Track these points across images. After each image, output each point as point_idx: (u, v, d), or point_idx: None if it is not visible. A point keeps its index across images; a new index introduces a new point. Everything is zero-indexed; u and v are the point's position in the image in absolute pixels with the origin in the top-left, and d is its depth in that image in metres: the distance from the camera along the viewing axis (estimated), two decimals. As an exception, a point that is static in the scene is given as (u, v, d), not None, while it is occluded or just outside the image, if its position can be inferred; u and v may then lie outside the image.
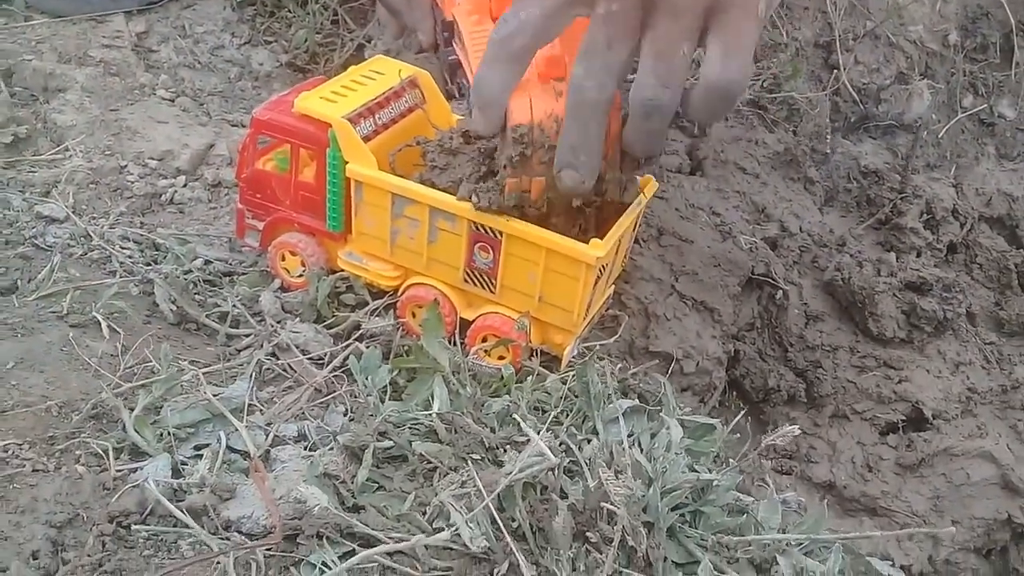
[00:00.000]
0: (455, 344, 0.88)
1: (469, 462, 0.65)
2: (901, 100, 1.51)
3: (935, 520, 0.98)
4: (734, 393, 1.09)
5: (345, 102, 0.92)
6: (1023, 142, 1.62)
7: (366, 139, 0.91)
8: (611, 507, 0.59)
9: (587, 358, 0.77)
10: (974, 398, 1.03)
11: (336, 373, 0.85)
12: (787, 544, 0.71)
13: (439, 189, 0.88)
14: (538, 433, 0.63)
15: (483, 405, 0.76)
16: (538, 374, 0.86)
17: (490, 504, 0.61)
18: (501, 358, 0.90)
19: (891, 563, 0.78)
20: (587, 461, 0.69)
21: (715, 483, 0.69)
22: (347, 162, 0.90)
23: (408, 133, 0.95)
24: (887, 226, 1.21)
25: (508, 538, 0.58)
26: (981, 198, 1.23)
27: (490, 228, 0.85)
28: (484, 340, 0.91)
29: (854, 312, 1.07)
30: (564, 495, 0.63)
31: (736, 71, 0.73)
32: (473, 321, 0.91)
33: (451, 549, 0.60)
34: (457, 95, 1.10)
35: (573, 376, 0.80)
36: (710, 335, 1.00)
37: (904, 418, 1.02)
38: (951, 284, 1.06)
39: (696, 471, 0.71)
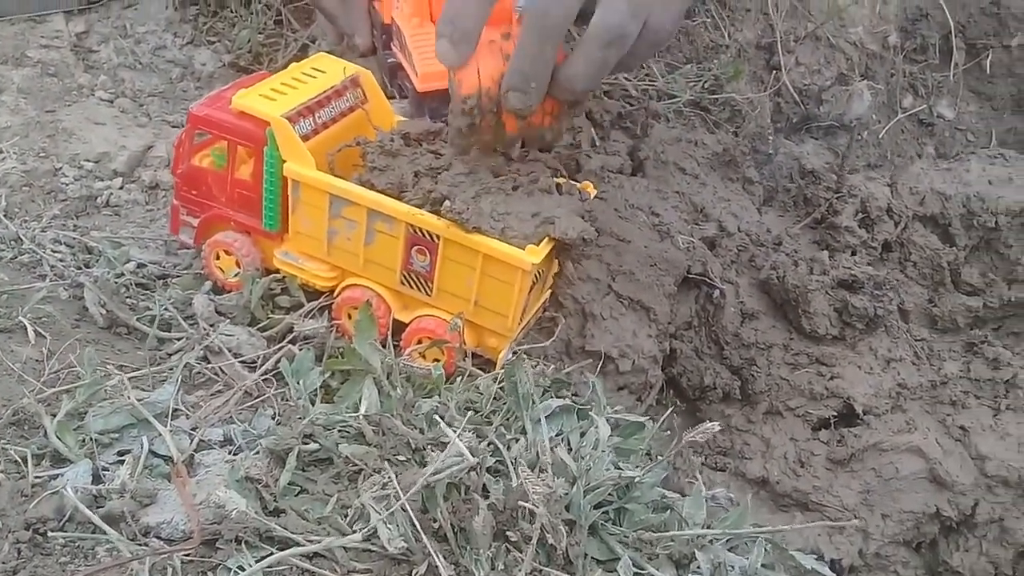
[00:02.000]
0: (388, 346, 0.88)
1: (389, 464, 0.65)
2: (842, 101, 1.53)
3: (865, 514, 1.00)
4: (671, 391, 1.11)
5: (284, 100, 0.91)
6: (961, 142, 1.66)
7: (305, 138, 0.91)
8: (530, 506, 0.60)
9: (515, 357, 0.78)
10: (904, 394, 1.05)
11: (267, 376, 0.85)
12: (709, 540, 0.72)
13: (378, 191, 0.88)
14: (462, 433, 0.64)
15: (413, 406, 0.77)
16: (469, 374, 0.86)
17: (408, 505, 0.61)
18: (436, 360, 0.90)
19: (816, 556, 0.79)
20: (513, 461, 0.69)
21: (638, 480, 0.69)
22: (284, 161, 0.89)
23: (349, 133, 0.95)
24: (823, 225, 1.23)
25: (425, 538, 0.58)
26: (915, 197, 1.26)
27: (428, 231, 0.86)
28: (419, 342, 0.91)
29: (788, 310, 1.08)
30: (486, 495, 0.64)
31: (669, 21, 0.81)
32: (409, 323, 0.92)
33: (370, 551, 0.61)
34: (397, 96, 1.10)
35: (504, 376, 0.81)
36: (646, 334, 1.01)
37: (836, 414, 1.04)
38: (882, 282, 1.08)
39: (620, 469, 0.72)
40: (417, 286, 0.90)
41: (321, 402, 0.82)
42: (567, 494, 0.67)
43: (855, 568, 0.99)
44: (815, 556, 0.81)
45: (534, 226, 0.85)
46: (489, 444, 0.74)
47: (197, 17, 1.43)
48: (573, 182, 0.93)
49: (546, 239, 0.85)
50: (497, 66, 0.82)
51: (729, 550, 0.77)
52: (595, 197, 0.98)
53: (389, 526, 0.59)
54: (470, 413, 0.79)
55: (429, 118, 1.00)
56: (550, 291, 0.99)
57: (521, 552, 0.61)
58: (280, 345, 0.88)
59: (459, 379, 0.84)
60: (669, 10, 0.80)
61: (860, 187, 1.24)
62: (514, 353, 0.93)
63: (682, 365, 1.09)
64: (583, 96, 0.87)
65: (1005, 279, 1.22)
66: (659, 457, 0.81)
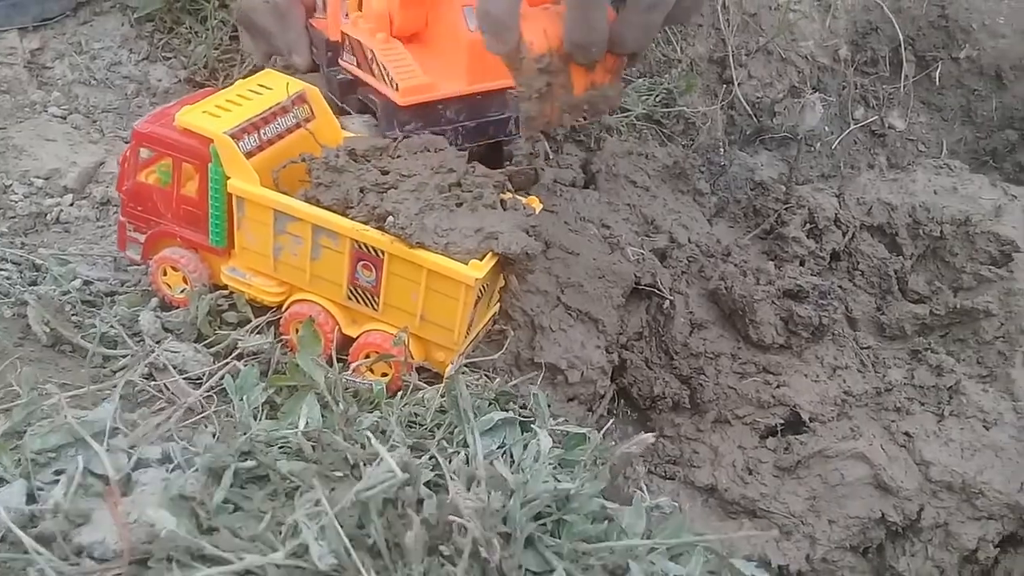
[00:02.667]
0: (334, 361, 0.89)
1: (327, 480, 0.65)
2: (794, 113, 1.56)
3: (812, 520, 1.01)
4: (622, 401, 1.12)
5: (229, 117, 0.92)
6: (912, 152, 1.69)
7: (250, 154, 0.91)
8: (461, 521, 0.61)
9: (456, 371, 0.78)
10: (849, 401, 1.06)
11: (212, 393, 0.85)
12: (649, 549, 0.73)
13: (323, 207, 0.89)
14: (396, 448, 0.64)
15: (354, 421, 0.77)
16: (414, 388, 0.87)
17: (343, 521, 0.61)
18: (384, 374, 0.91)
19: (757, 563, 0.80)
20: (452, 475, 0.70)
21: (574, 491, 0.70)
22: (229, 178, 0.90)
23: (295, 149, 0.96)
24: (772, 236, 1.25)
25: (355, 554, 0.58)
26: (862, 207, 1.28)
27: (373, 247, 0.87)
28: (367, 357, 0.91)
29: (736, 320, 1.10)
30: (421, 510, 0.64)
31: None
32: (357, 338, 0.92)
33: (302, 568, 0.61)
34: (355, 112, 1.10)
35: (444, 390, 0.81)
36: (594, 345, 1.02)
37: (783, 422, 1.06)
38: (826, 291, 1.10)
39: (558, 480, 0.72)
40: (364, 301, 0.90)
41: (266, 418, 0.82)
42: (503, 507, 0.67)
43: (803, 573, 1.01)
44: (756, 563, 0.82)
45: (477, 241, 0.86)
46: (430, 458, 0.74)
47: (153, 33, 1.43)
48: (519, 197, 0.94)
49: (489, 254, 0.86)
50: (558, 26, 0.86)
51: (671, 559, 0.78)
52: (544, 211, 0.99)
53: (320, 543, 0.60)
54: (411, 427, 0.80)
55: (400, 132, 1.00)
56: (499, 304, 1.00)
57: (455, 566, 0.62)
58: (225, 361, 0.88)
59: (399, 393, 0.85)
60: None
61: (808, 198, 1.26)
62: (462, 367, 0.94)
63: (632, 375, 1.10)
64: (633, 56, 0.92)
65: (951, 287, 1.25)
66: (601, 469, 0.82)
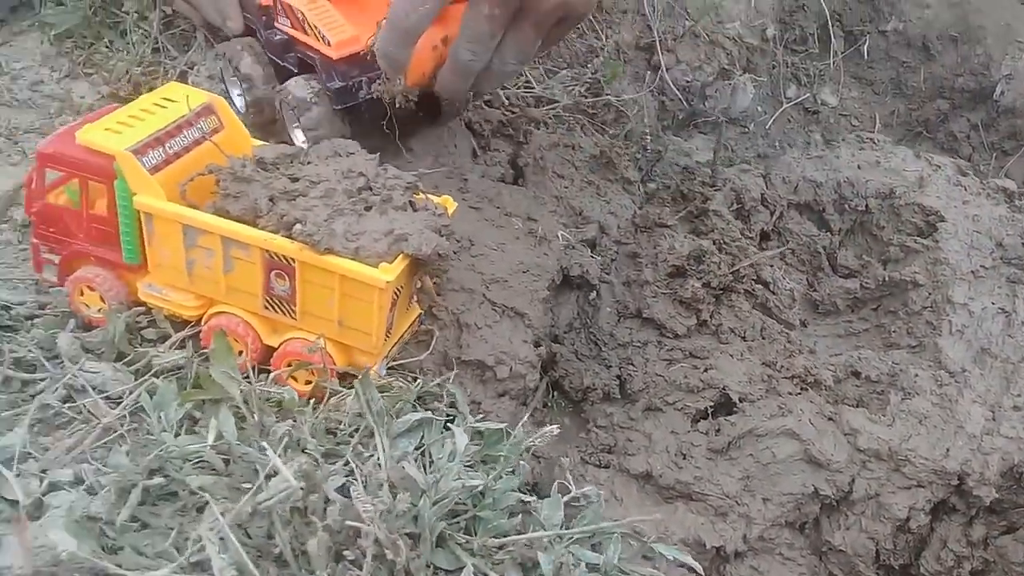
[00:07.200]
0: (255, 371, 0.89)
1: (228, 493, 0.65)
2: (726, 95, 1.57)
3: (747, 500, 1.02)
4: (554, 394, 1.12)
5: (131, 132, 0.91)
6: (847, 127, 1.71)
7: (155, 169, 0.90)
8: (361, 525, 0.61)
9: (365, 375, 0.78)
10: (776, 377, 1.08)
11: (135, 411, 0.85)
12: (570, 539, 0.74)
13: (232, 218, 0.88)
14: (293, 457, 0.64)
15: (268, 432, 0.77)
16: (335, 395, 0.87)
17: (231, 533, 0.62)
18: (308, 382, 0.91)
19: (676, 547, 0.81)
20: (356, 479, 0.70)
21: (481, 487, 0.71)
22: (135, 193, 0.89)
23: (204, 161, 0.95)
24: (697, 216, 1.26)
25: (251, 565, 0.58)
26: (788, 186, 1.29)
27: (283, 256, 0.87)
28: (289, 365, 0.91)
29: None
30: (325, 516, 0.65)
31: None
32: (279, 347, 0.92)
33: (206, 581, 0.61)
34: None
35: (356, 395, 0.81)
36: (521, 339, 1.02)
37: (712, 404, 1.07)
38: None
39: (471, 478, 0.73)
40: (281, 310, 0.90)
41: (186, 433, 0.82)
42: (411, 508, 0.68)
43: (740, 553, 1.02)
44: (676, 548, 0.83)
45: (387, 244, 0.86)
46: (344, 464, 0.74)
47: (73, 50, 1.42)
48: (431, 197, 0.94)
49: (400, 256, 0.86)
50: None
51: (593, 548, 0.79)
52: (470, 208, 0.99)
53: (223, 555, 0.60)
54: (330, 434, 0.80)
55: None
56: (428, 304, 1.00)
57: (361, 570, 0.62)
58: (143, 379, 0.87)
59: (312, 401, 0.85)
60: None
61: (734, 179, 1.27)
62: (387, 370, 0.94)
63: (563, 368, 1.11)
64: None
65: (879, 259, 1.26)
66: (521, 463, 0.83)
